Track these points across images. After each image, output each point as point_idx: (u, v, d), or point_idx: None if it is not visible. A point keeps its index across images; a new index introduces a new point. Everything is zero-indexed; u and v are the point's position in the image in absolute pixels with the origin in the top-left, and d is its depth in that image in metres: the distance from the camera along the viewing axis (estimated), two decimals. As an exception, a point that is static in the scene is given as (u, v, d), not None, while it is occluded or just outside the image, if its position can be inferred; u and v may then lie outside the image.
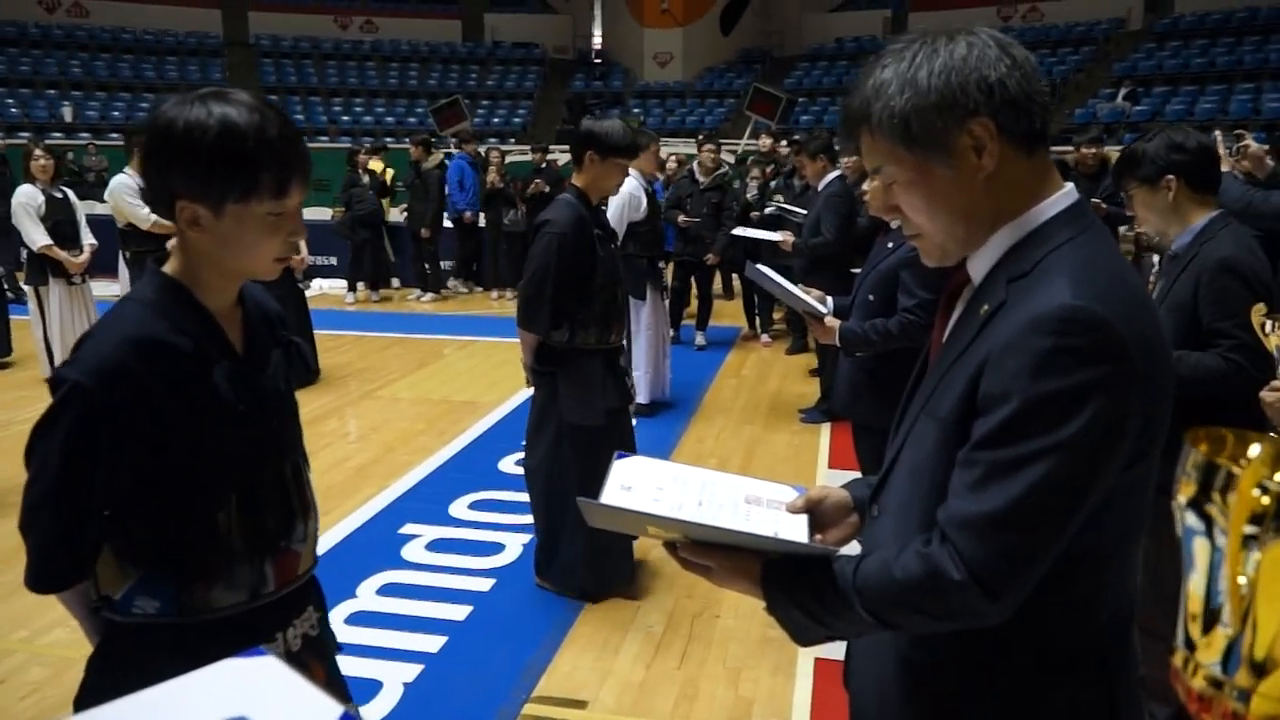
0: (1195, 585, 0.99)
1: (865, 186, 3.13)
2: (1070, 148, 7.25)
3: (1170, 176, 2.50)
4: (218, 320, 1.47)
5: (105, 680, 1.47)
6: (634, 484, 1.32)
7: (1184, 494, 0.99)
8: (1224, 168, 3.06)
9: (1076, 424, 1.01)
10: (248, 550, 1.48)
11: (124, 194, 6.38)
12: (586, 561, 3.61)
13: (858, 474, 3.98)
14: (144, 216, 6.41)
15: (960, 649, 1.15)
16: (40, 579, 1.42)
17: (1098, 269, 1.08)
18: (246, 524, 1.48)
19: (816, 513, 1.37)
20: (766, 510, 1.33)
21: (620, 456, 1.40)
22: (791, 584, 1.20)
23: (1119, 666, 1.17)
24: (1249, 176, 4.53)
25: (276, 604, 1.54)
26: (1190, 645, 0.99)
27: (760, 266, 3.72)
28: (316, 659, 1.64)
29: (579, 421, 3.54)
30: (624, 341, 3.80)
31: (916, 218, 1.18)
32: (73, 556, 1.41)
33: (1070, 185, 1.18)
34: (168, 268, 1.46)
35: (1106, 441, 1.03)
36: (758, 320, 8.52)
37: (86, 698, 1.48)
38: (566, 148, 5.12)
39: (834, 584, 1.16)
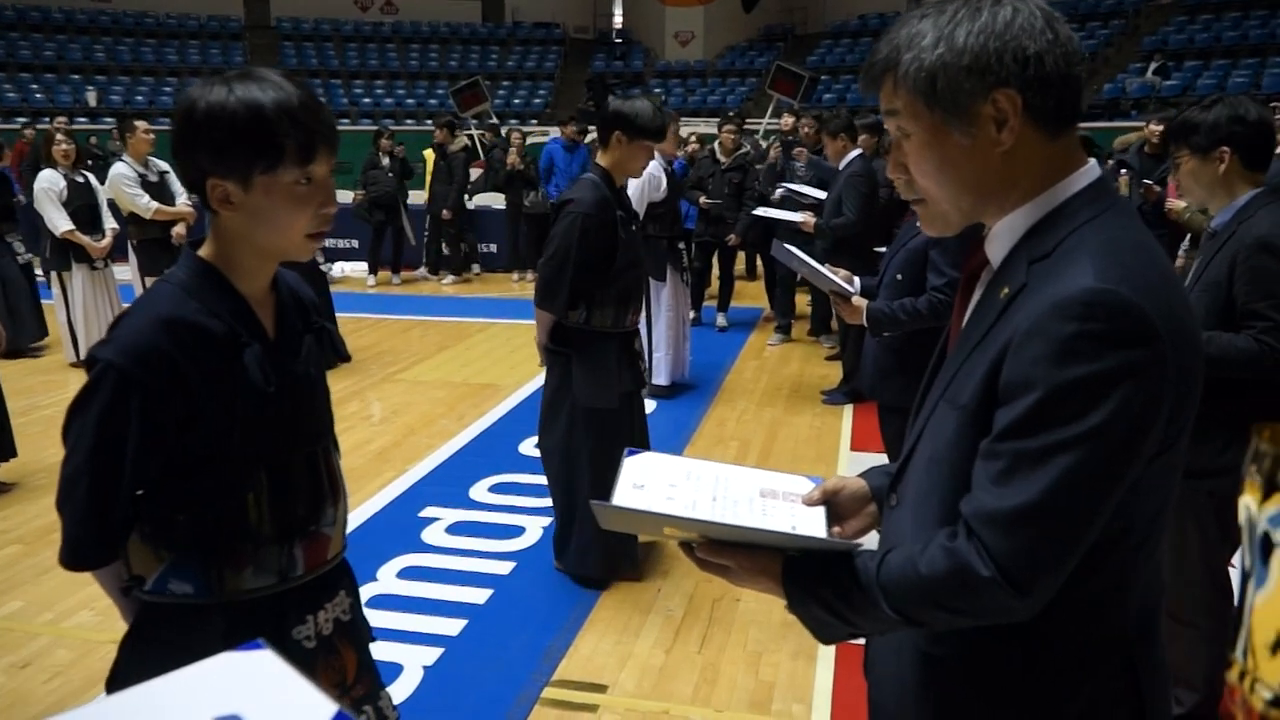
0: (1269, 606, 0.88)
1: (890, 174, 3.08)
2: (1095, 124, 7.01)
3: (1225, 148, 2.42)
4: (250, 304, 1.47)
5: (138, 659, 1.48)
6: (646, 482, 1.29)
7: (1251, 496, 0.89)
8: None
9: (1104, 412, 0.97)
10: (276, 534, 1.49)
11: (122, 184, 6.37)
12: (597, 546, 3.60)
13: (880, 456, 3.96)
14: (144, 206, 6.40)
15: (979, 643, 1.12)
16: (73, 556, 1.44)
17: (1123, 248, 1.03)
18: (275, 508, 1.49)
19: (834, 504, 1.34)
20: (783, 503, 1.30)
21: (631, 453, 1.37)
22: (813, 582, 1.17)
23: (1146, 658, 1.13)
24: None
25: (307, 587, 1.55)
26: (1246, 659, 0.90)
27: (788, 246, 3.67)
28: (348, 644, 1.64)
29: (592, 404, 3.52)
30: (640, 325, 3.78)
31: (923, 180, 1.14)
32: (105, 535, 1.43)
33: (1093, 161, 1.13)
34: (203, 251, 1.47)
35: (1136, 430, 0.99)
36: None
37: (120, 676, 1.50)
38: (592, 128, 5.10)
39: (857, 581, 1.13)
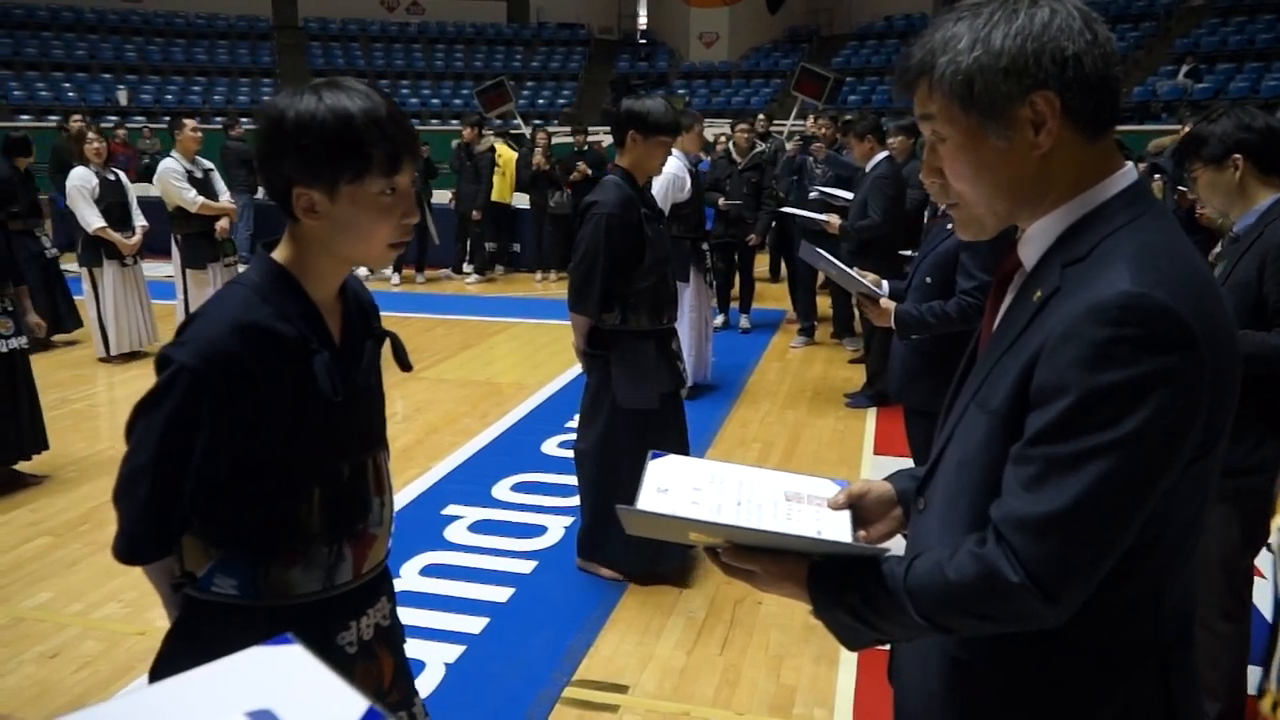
0: None
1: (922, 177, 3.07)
2: (1125, 127, 6.98)
3: (1237, 156, 2.46)
4: (320, 310, 1.47)
5: (179, 654, 1.48)
6: (670, 485, 1.28)
7: None
8: None
9: (1139, 418, 0.96)
10: (326, 533, 1.49)
11: (170, 178, 6.55)
12: (637, 544, 3.58)
13: (904, 460, 3.94)
14: (190, 200, 6.57)
15: (1009, 648, 1.11)
16: (129, 551, 1.45)
17: (1159, 252, 1.02)
18: (327, 509, 1.49)
19: (859, 508, 1.33)
20: (808, 507, 1.29)
21: (655, 456, 1.37)
22: (840, 587, 1.16)
23: (1180, 664, 1.11)
24: None
25: (351, 592, 1.55)
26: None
27: (817, 249, 3.66)
28: (386, 649, 1.64)
29: (632, 405, 3.51)
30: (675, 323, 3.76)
31: (959, 184, 1.13)
32: (161, 532, 1.43)
33: (1130, 165, 1.12)
34: (277, 254, 1.47)
35: (1172, 436, 0.98)
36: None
37: (161, 671, 1.50)
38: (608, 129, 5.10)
39: (884, 586, 1.12)
